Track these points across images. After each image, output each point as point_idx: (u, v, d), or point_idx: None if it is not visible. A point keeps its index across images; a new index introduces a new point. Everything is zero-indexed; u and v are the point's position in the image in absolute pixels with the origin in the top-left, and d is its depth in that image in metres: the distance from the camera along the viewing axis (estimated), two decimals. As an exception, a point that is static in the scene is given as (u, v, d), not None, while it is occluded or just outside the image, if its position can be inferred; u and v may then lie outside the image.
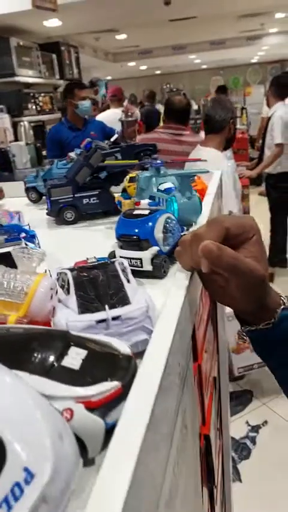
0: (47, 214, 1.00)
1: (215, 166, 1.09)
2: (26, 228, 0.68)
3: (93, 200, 0.97)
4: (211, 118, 2.39)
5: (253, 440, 2.27)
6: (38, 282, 0.43)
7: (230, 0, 5.53)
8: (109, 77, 10.56)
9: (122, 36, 7.55)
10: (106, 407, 0.30)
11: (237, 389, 2.64)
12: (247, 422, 2.39)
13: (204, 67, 13.14)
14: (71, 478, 0.24)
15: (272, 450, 2.20)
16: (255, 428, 2.34)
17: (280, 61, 12.26)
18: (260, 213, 3.81)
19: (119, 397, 0.31)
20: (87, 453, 0.30)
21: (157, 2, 4.97)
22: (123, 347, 0.35)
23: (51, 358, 0.32)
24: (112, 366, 0.33)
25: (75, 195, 0.97)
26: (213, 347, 1.25)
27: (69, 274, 0.48)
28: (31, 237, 0.66)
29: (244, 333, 0.54)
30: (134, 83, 12.12)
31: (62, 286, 0.49)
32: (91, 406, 0.29)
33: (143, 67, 11.55)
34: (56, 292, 0.45)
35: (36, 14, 4.26)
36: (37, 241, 0.66)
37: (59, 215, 0.98)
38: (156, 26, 6.74)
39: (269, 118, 3.75)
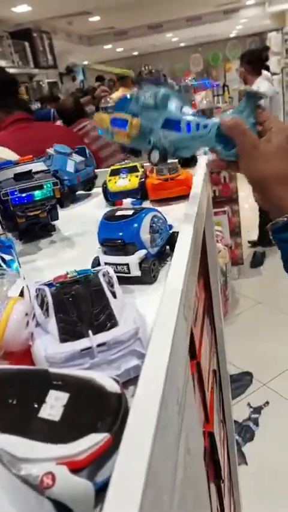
0: None
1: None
2: (1, 237, 0.63)
3: None
4: None
5: (256, 422, 2.27)
6: (10, 308, 0.38)
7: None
8: (86, 62, 10.32)
9: (96, 19, 7.36)
10: (95, 464, 0.25)
11: (236, 372, 2.63)
12: (249, 404, 2.39)
13: (182, 44, 12.90)
14: None
15: (275, 430, 2.19)
16: (258, 410, 2.33)
17: (259, 34, 12.06)
18: (250, 191, 3.77)
19: (110, 449, 0.26)
20: (76, 521, 0.25)
21: (129, -20, 4.82)
22: (109, 382, 0.30)
23: (27, 410, 0.27)
24: (99, 410, 0.28)
25: None
26: (211, 339, 1.21)
27: (48, 292, 0.43)
28: (7, 248, 0.60)
29: (272, 231, 0.55)
30: (112, 66, 11.86)
31: (41, 306, 0.44)
32: (76, 467, 0.25)
33: (120, 49, 11.31)
34: (33, 316, 0.40)
35: (4, 0, 4.10)
36: (15, 253, 0.61)
37: None
38: (130, 5, 6.55)
39: None
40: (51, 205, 0.77)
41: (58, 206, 0.84)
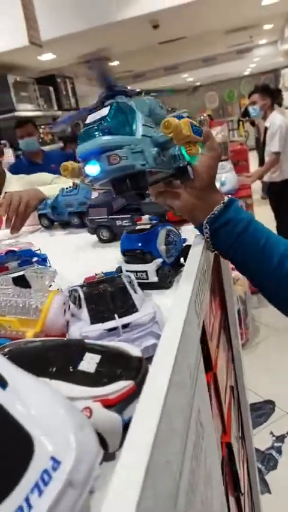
0: (88, 231, 1.06)
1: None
2: (38, 252, 0.72)
3: (126, 222, 0.99)
4: None
5: (279, 450, 2.24)
6: (51, 298, 0.46)
7: (217, 17, 5.67)
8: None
9: (115, 63, 7.77)
10: (122, 404, 0.33)
11: (258, 400, 2.62)
12: (271, 433, 2.36)
13: (198, 84, 13.38)
14: (94, 464, 0.26)
15: (299, 458, 2.16)
16: (280, 438, 2.31)
17: (272, 71, 12.43)
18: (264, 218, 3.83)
19: (133, 394, 0.33)
20: (108, 448, 0.32)
21: (146, 27, 5.12)
22: (133, 350, 0.38)
23: (69, 364, 0.35)
24: (124, 367, 0.36)
25: (109, 217, 1.00)
26: (227, 356, 1.26)
27: (80, 291, 0.51)
28: (43, 261, 0.69)
29: (207, 227, 0.63)
30: (130, 106, 12.34)
31: (74, 302, 0.52)
32: (108, 404, 0.32)
33: (138, 90, 11.78)
34: (69, 307, 0.49)
35: (31, 50, 4.42)
36: (49, 264, 0.70)
37: (95, 233, 1.02)
38: (147, 49, 6.91)
39: (266, 128, 3.82)
40: None
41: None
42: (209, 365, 0.94)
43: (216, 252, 0.67)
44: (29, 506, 0.23)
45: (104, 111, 0.53)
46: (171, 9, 4.40)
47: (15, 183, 1.84)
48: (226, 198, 0.64)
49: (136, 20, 4.63)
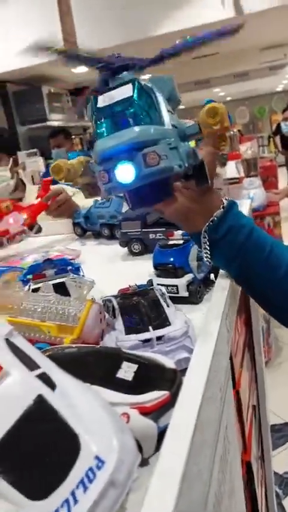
0: (119, 244, 1.08)
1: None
2: (72, 261, 0.75)
3: (159, 236, 0.98)
4: None
5: (298, 474, 2.19)
6: (89, 307, 0.48)
7: (252, 34, 5.69)
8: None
9: (146, 77, 7.88)
10: (158, 412, 0.35)
11: (278, 422, 2.57)
12: (290, 455, 2.31)
13: (228, 98, 13.42)
14: (133, 466, 0.28)
15: None
16: (300, 461, 2.26)
17: (306, 88, 12.37)
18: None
19: (168, 404, 0.35)
20: (143, 453, 0.34)
21: (180, 43, 5.19)
22: (168, 362, 0.40)
23: (108, 372, 0.37)
24: (160, 377, 0.37)
25: (143, 230, 1.01)
26: (250, 375, 1.26)
27: (114, 301, 0.53)
28: (76, 270, 0.72)
29: (206, 236, 0.57)
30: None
31: (108, 312, 0.54)
32: (145, 411, 0.34)
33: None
34: (105, 316, 0.51)
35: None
36: (82, 274, 0.72)
37: (127, 246, 1.04)
38: (180, 64, 7.00)
39: None
40: None
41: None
42: (232, 382, 0.95)
43: (212, 263, 0.59)
44: (75, 500, 0.25)
45: (126, 90, 0.40)
46: (205, 26, 4.46)
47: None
48: (225, 201, 0.58)
49: (171, 35, 4.70)
